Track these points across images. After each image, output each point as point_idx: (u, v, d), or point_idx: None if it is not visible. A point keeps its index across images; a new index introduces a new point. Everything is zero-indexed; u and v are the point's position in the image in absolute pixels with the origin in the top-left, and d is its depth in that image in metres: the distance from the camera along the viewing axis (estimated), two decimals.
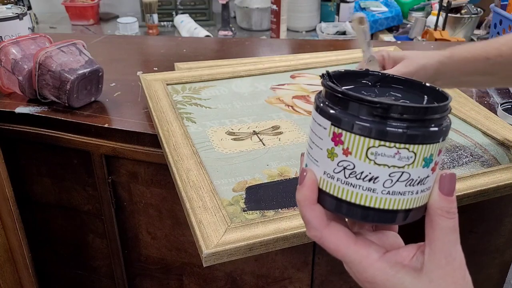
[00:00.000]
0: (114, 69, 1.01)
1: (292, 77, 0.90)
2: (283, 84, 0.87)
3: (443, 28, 1.69)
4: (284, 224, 0.53)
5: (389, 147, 0.28)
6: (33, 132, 0.83)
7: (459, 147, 0.69)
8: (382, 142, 0.28)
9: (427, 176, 0.30)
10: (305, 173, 0.33)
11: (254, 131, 0.72)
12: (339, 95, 0.29)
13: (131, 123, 0.79)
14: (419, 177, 0.30)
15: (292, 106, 0.79)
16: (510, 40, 0.60)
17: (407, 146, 0.28)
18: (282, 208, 0.56)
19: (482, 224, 0.79)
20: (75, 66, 0.80)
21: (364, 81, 0.34)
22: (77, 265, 0.99)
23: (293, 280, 0.80)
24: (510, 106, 0.83)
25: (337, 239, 0.33)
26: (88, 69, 0.81)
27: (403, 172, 0.29)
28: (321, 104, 0.31)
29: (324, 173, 0.31)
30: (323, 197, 0.32)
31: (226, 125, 0.73)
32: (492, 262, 0.84)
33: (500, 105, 0.82)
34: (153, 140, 0.74)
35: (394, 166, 0.29)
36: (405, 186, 0.30)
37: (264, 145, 0.68)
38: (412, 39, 1.75)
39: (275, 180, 0.61)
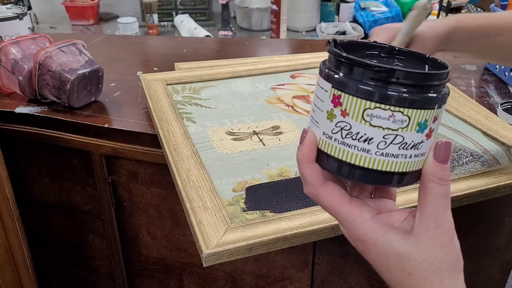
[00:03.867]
0: (114, 69, 1.01)
1: (292, 77, 0.90)
2: (283, 84, 0.87)
3: None
4: (284, 224, 0.53)
5: (384, 109, 0.30)
6: (33, 132, 0.83)
7: (459, 147, 0.69)
8: (378, 105, 0.30)
9: (421, 142, 0.31)
10: (305, 134, 0.34)
11: (254, 131, 0.72)
12: (341, 59, 0.31)
13: (131, 123, 0.79)
14: (413, 141, 0.31)
15: (292, 106, 0.79)
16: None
17: (401, 109, 0.29)
18: (281, 208, 0.56)
19: (482, 224, 0.79)
20: (75, 66, 0.80)
21: (369, 52, 0.35)
22: (77, 265, 0.99)
23: (293, 280, 0.80)
24: (510, 106, 0.83)
25: (332, 197, 0.34)
26: (88, 69, 0.81)
27: (397, 135, 0.30)
28: (325, 69, 0.33)
29: (323, 134, 0.33)
30: (320, 156, 0.33)
31: (226, 125, 0.73)
32: (493, 262, 0.84)
33: (500, 105, 0.82)
34: (153, 140, 0.74)
35: (388, 128, 0.30)
36: (399, 149, 0.31)
37: (264, 145, 0.68)
38: None
39: (275, 180, 0.60)
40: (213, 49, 1.21)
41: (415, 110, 0.30)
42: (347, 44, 0.35)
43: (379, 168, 0.31)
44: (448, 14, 1.68)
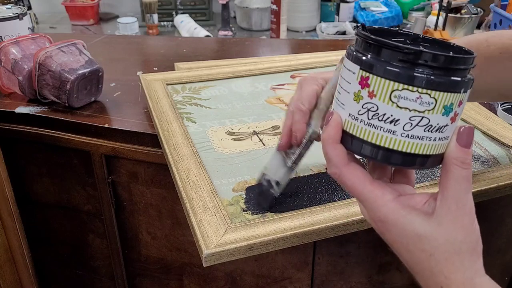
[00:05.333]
0: (114, 69, 1.01)
1: (292, 77, 0.90)
2: (283, 84, 0.87)
3: (443, 28, 1.69)
4: (284, 224, 0.53)
5: (412, 91, 0.30)
6: (33, 132, 0.83)
7: None
8: (406, 86, 0.30)
9: (446, 125, 0.31)
10: (331, 116, 0.35)
11: (254, 131, 0.72)
12: (370, 41, 0.31)
13: (131, 123, 0.79)
14: (438, 124, 0.31)
15: None
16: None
17: (429, 92, 0.30)
18: (281, 208, 0.56)
19: (483, 224, 0.78)
20: (75, 66, 0.80)
21: (395, 39, 0.36)
22: (77, 265, 0.99)
23: (293, 280, 0.80)
24: (510, 106, 0.83)
25: (354, 177, 0.34)
26: (88, 69, 0.81)
27: (423, 117, 0.31)
28: (352, 52, 0.33)
29: (349, 115, 0.33)
30: (345, 138, 0.34)
31: (226, 125, 0.73)
32: (494, 262, 0.84)
33: (500, 105, 0.82)
34: (153, 140, 0.74)
35: (415, 110, 0.30)
36: (424, 131, 0.31)
37: (264, 145, 0.68)
38: None
39: None
40: (213, 49, 1.21)
41: (442, 93, 0.30)
42: (374, 30, 0.35)
43: (404, 150, 0.32)
44: (448, 15, 1.68)
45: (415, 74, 0.30)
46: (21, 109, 0.83)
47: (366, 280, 0.80)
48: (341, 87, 0.34)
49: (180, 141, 0.66)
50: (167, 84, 0.83)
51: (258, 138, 0.70)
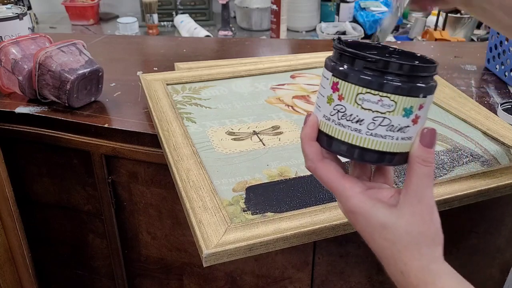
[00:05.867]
0: (114, 69, 1.01)
1: (292, 77, 0.90)
2: (283, 84, 0.87)
3: (443, 28, 1.69)
4: (284, 224, 0.53)
5: (374, 94, 0.34)
6: (33, 132, 0.83)
7: (459, 147, 0.69)
8: (368, 90, 0.34)
9: (407, 126, 0.35)
10: (308, 116, 0.39)
11: (254, 131, 0.72)
12: (339, 50, 0.36)
13: (131, 123, 0.79)
14: (399, 124, 0.35)
15: (292, 106, 0.79)
16: None
17: (388, 95, 0.34)
18: (281, 208, 0.56)
19: (482, 224, 0.79)
20: (75, 66, 0.80)
21: (369, 49, 0.40)
22: (77, 265, 0.99)
23: (293, 280, 0.80)
24: (510, 106, 0.83)
25: (327, 171, 0.38)
26: (88, 69, 0.81)
27: (384, 118, 0.34)
28: (329, 62, 0.37)
29: (323, 116, 0.37)
30: (320, 136, 0.38)
31: (226, 125, 0.73)
32: (493, 262, 0.84)
33: (500, 105, 0.82)
34: (153, 140, 0.74)
35: (377, 111, 0.34)
36: (386, 130, 0.35)
37: (264, 145, 0.68)
38: (412, 39, 1.75)
39: (275, 180, 0.60)
40: (213, 49, 1.21)
41: (401, 97, 0.34)
42: (351, 42, 0.39)
43: (368, 147, 0.36)
44: (448, 14, 1.68)
45: (374, 79, 0.34)
46: (21, 109, 0.83)
47: (365, 280, 0.80)
48: (319, 93, 0.38)
49: (180, 141, 0.66)
50: (167, 84, 0.83)
51: (258, 138, 0.70)
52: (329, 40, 1.46)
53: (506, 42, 0.94)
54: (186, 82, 0.85)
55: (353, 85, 0.34)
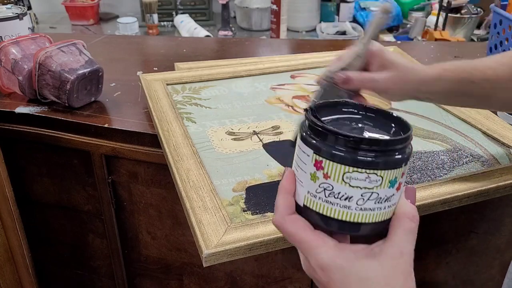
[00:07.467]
0: (114, 69, 1.01)
1: (292, 77, 0.90)
2: (283, 84, 0.87)
3: (443, 28, 1.69)
4: None
5: (361, 172, 0.34)
6: (33, 132, 0.83)
7: (459, 147, 0.69)
8: (355, 169, 0.34)
9: (393, 195, 0.36)
10: (286, 171, 0.39)
11: (254, 131, 0.72)
12: (320, 128, 0.35)
13: (131, 123, 0.79)
14: (386, 195, 0.35)
15: (292, 106, 0.79)
16: (495, 63, 0.56)
17: (375, 171, 0.34)
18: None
19: (482, 224, 0.79)
20: (75, 66, 0.80)
21: (342, 110, 0.40)
22: (77, 265, 0.99)
23: (293, 280, 0.80)
24: None
25: (297, 225, 0.37)
26: (88, 69, 0.81)
27: (372, 192, 0.35)
28: (305, 135, 0.36)
29: (308, 192, 0.37)
30: (309, 213, 0.37)
31: (226, 125, 0.73)
32: (493, 262, 0.84)
33: None
34: (153, 140, 0.74)
35: (365, 188, 0.34)
36: (375, 203, 0.35)
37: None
38: (412, 39, 1.75)
39: (275, 180, 0.60)
40: (213, 49, 1.21)
41: (387, 171, 0.34)
42: (321, 106, 0.38)
43: (359, 221, 0.36)
44: (448, 14, 1.68)
45: (360, 158, 0.33)
46: (21, 109, 0.83)
47: None
48: (298, 166, 0.37)
49: (180, 141, 0.66)
50: (167, 84, 0.83)
51: (258, 138, 0.70)
52: (329, 40, 1.46)
53: (506, 42, 0.94)
54: (186, 82, 0.85)
55: (339, 165, 0.34)
